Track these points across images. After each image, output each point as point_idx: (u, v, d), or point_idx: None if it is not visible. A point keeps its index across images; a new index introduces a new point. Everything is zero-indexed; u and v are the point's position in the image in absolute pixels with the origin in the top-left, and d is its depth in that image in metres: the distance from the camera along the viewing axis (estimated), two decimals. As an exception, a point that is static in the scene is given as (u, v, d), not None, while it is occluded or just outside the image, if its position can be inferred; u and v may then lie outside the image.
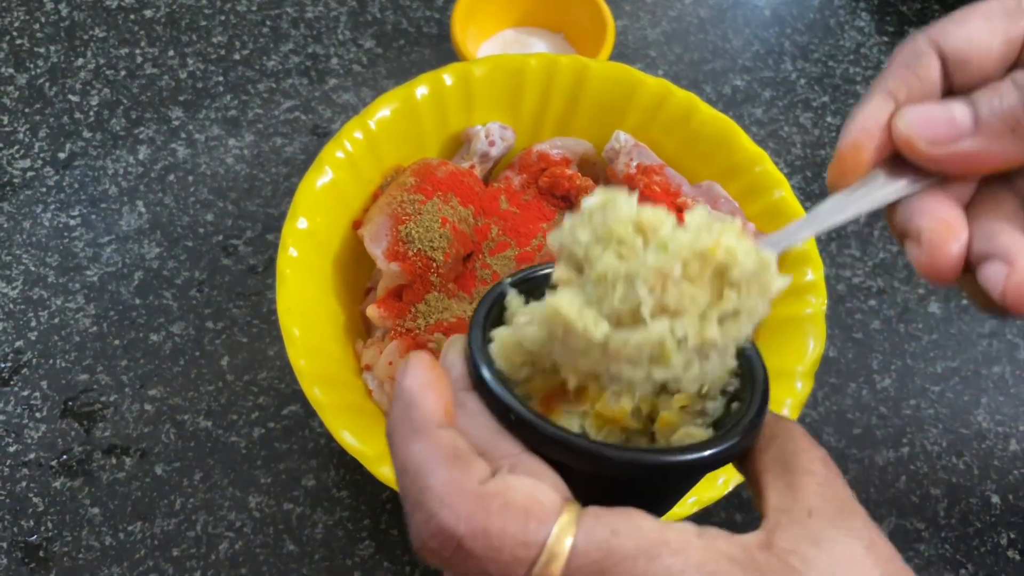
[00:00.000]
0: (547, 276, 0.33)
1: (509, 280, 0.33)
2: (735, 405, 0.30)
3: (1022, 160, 0.30)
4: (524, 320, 0.30)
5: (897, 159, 0.32)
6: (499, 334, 0.31)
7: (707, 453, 0.28)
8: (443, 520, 0.25)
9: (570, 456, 0.28)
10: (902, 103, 0.32)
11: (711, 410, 0.31)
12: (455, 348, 0.31)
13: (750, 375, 0.30)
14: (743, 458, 0.30)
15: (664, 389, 0.31)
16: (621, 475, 0.29)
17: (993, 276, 0.30)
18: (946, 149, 0.30)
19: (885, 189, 0.32)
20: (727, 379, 0.30)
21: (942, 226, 0.30)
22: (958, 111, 0.30)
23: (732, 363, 0.30)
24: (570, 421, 0.31)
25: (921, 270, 0.31)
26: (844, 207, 0.32)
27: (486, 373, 0.29)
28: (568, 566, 0.25)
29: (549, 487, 0.27)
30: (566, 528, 0.25)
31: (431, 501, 0.26)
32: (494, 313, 0.32)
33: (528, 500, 0.26)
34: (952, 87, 0.33)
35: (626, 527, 0.26)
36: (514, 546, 0.25)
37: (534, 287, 0.33)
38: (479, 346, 0.31)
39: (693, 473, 0.30)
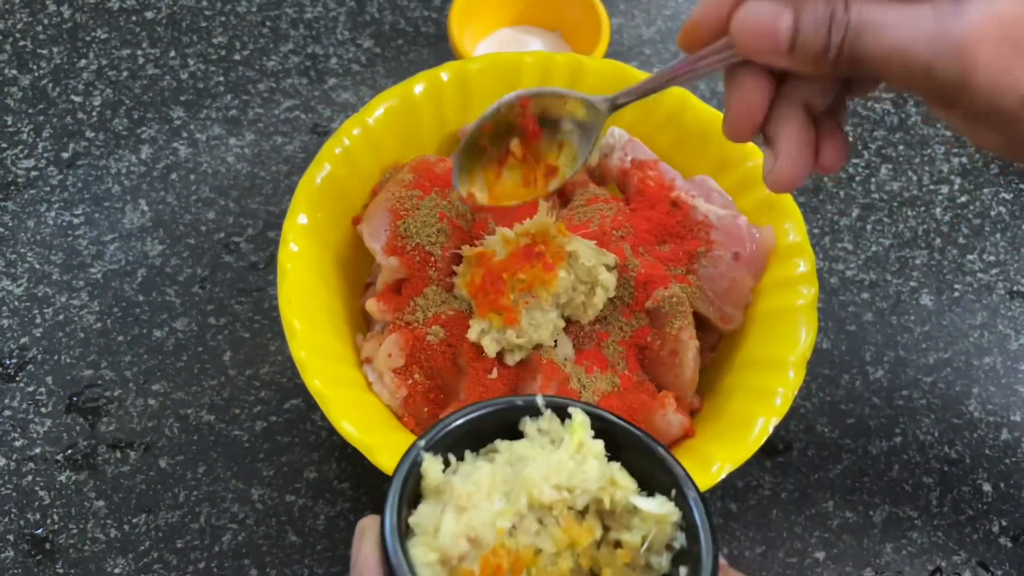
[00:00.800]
0: (466, 424, 0.32)
1: (423, 443, 0.31)
2: (683, 570, 0.29)
3: (824, 74, 0.35)
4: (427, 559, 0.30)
5: None
6: (419, 525, 0.30)
7: None
8: None
9: None
10: None
11: (656, 564, 0.30)
12: (367, 540, 0.30)
13: (695, 529, 0.29)
14: None
15: (606, 541, 0.31)
16: None
17: (765, 162, 0.38)
18: (764, 59, 0.35)
19: (718, 56, 0.36)
20: (672, 533, 0.30)
21: (747, 107, 0.37)
22: (783, 24, 0.33)
23: (675, 515, 0.30)
24: None
25: (726, 133, 0.38)
26: (691, 68, 0.37)
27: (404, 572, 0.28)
28: None
29: None
30: None
31: None
32: (410, 486, 0.30)
33: None
34: None
35: None
36: None
37: (452, 443, 0.31)
38: (395, 548, 0.29)
39: None
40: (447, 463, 0.31)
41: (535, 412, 0.33)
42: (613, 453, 0.32)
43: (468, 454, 0.32)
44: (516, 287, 0.46)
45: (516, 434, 0.33)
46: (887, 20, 0.32)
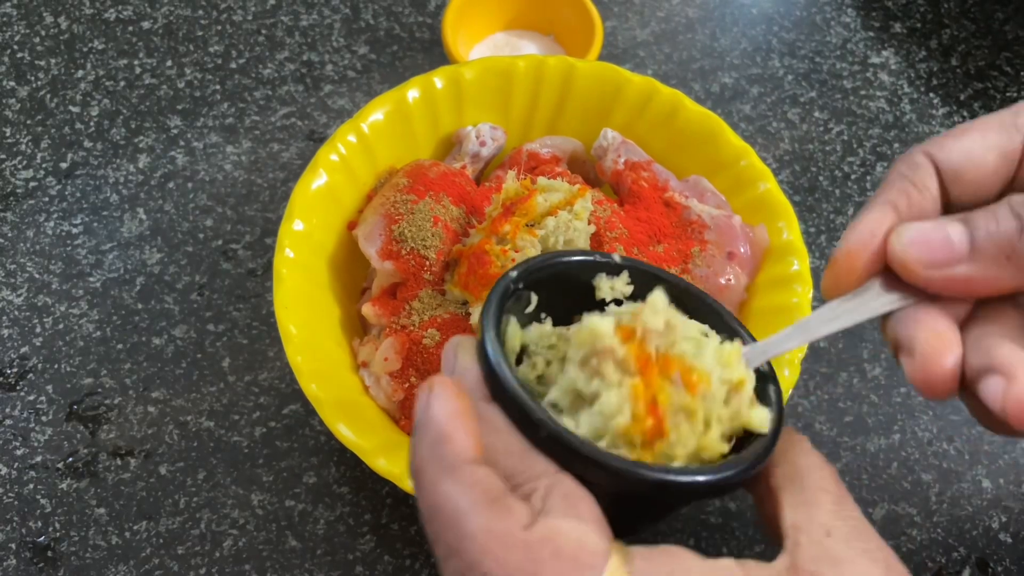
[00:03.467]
0: (550, 266, 0.33)
1: (514, 274, 0.32)
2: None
3: (1017, 286, 0.29)
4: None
5: (892, 271, 0.31)
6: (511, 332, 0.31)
7: (733, 472, 0.28)
8: (488, 571, 0.24)
9: (607, 477, 0.27)
10: (903, 214, 0.31)
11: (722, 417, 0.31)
12: (465, 352, 0.29)
13: (767, 379, 0.32)
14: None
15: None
16: (650, 493, 0.28)
17: (992, 390, 0.29)
18: (941, 273, 0.29)
19: (878, 300, 0.31)
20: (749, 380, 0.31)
21: (936, 338, 0.30)
22: (955, 234, 0.29)
23: (751, 377, 0.31)
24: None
25: (916, 383, 0.30)
26: (836, 316, 0.32)
27: (514, 385, 0.27)
28: None
29: (594, 528, 0.26)
30: (617, 574, 0.25)
31: (472, 550, 0.24)
32: (504, 310, 0.31)
33: (576, 547, 0.24)
34: (950, 200, 0.32)
35: (678, 570, 0.25)
36: None
37: (539, 281, 0.32)
38: (497, 351, 0.28)
39: (719, 493, 0.30)
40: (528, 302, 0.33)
41: (612, 270, 0.34)
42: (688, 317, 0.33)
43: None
44: (499, 252, 0.46)
45: (590, 290, 0.34)
46: None
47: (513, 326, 0.32)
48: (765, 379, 0.33)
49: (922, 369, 0.30)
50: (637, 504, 0.29)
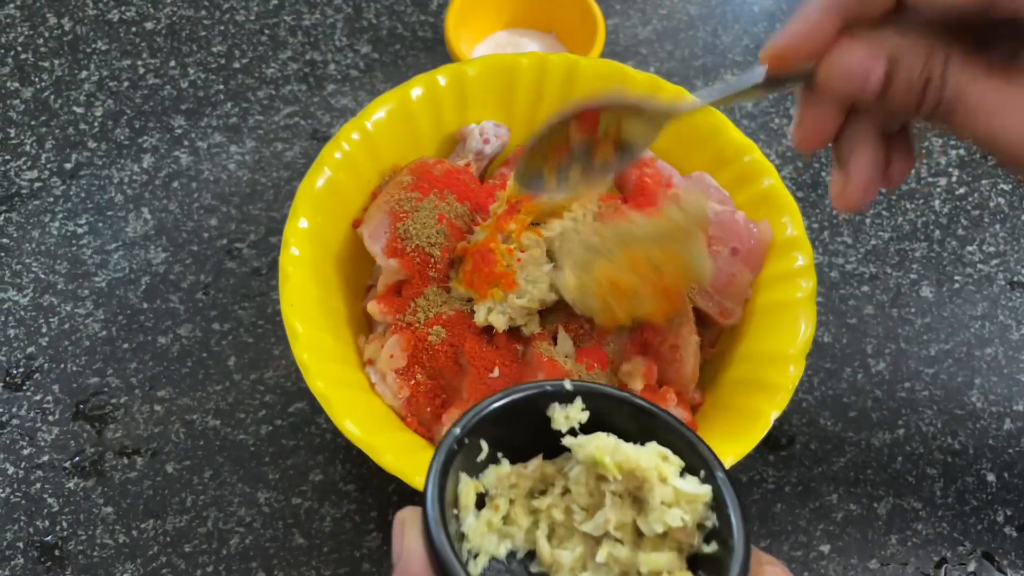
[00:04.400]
0: (498, 409, 0.32)
1: (457, 430, 0.31)
2: (712, 546, 0.30)
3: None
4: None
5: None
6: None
7: None
8: None
9: None
10: (848, 17, 0.34)
11: (692, 545, 0.31)
12: (412, 529, 0.29)
13: (725, 509, 0.30)
14: None
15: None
16: None
17: (834, 182, 0.38)
18: (849, 100, 0.35)
19: (797, 81, 0.36)
20: (704, 513, 0.31)
21: (820, 127, 0.37)
22: (875, 76, 0.33)
23: (707, 495, 0.30)
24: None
25: (795, 146, 0.38)
26: (755, 77, 0.37)
27: (457, 570, 0.27)
28: None
29: None
30: None
31: None
32: (451, 470, 0.30)
33: None
34: None
35: None
36: None
37: (488, 424, 0.31)
38: (440, 534, 0.28)
39: None
40: (478, 449, 0.32)
41: (564, 399, 0.33)
42: (645, 437, 0.33)
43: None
44: (505, 251, 0.47)
45: (545, 420, 0.33)
46: (985, 102, 0.32)
47: (464, 483, 0.31)
48: (722, 495, 0.31)
49: (801, 139, 0.38)
50: None
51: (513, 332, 0.48)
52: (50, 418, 0.55)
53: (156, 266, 0.61)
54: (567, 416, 0.33)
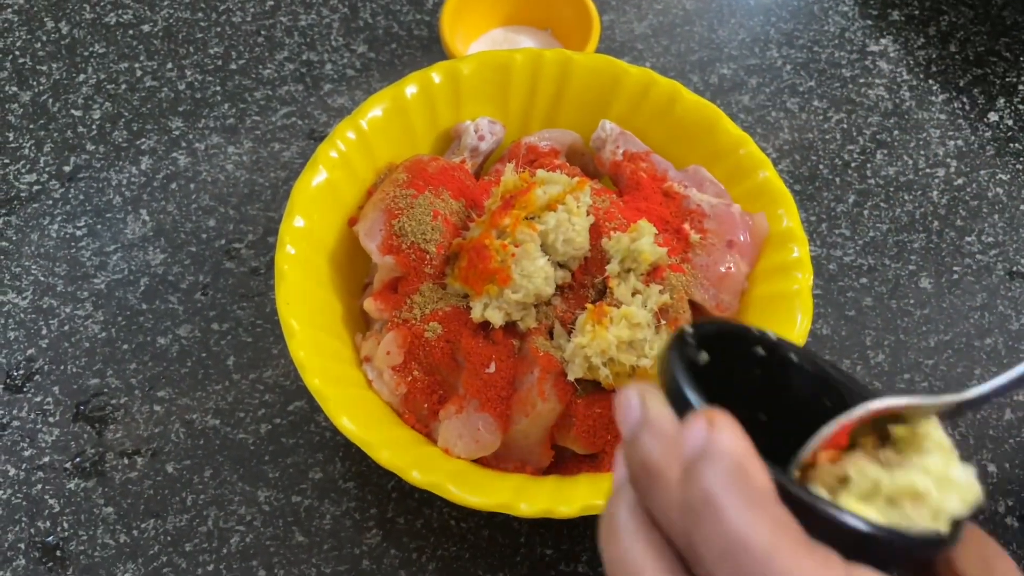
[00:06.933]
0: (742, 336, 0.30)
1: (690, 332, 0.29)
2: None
3: None
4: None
5: None
6: None
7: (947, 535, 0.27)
8: None
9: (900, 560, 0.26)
10: None
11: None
12: (655, 400, 0.26)
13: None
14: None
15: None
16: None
17: None
18: None
19: None
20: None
21: None
22: None
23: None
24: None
25: None
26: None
27: (794, 487, 0.25)
28: None
29: None
30: None
31: None
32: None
33: None
34: None
35: None
36: None
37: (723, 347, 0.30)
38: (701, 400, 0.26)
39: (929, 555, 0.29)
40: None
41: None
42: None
43: None
44: (499, 247, 0.47)
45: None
46: None
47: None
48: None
49: None
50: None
51: (509, 327, 0.48)
52: (51, 419, 0.56)
53: (155, 267, 0.61)
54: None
